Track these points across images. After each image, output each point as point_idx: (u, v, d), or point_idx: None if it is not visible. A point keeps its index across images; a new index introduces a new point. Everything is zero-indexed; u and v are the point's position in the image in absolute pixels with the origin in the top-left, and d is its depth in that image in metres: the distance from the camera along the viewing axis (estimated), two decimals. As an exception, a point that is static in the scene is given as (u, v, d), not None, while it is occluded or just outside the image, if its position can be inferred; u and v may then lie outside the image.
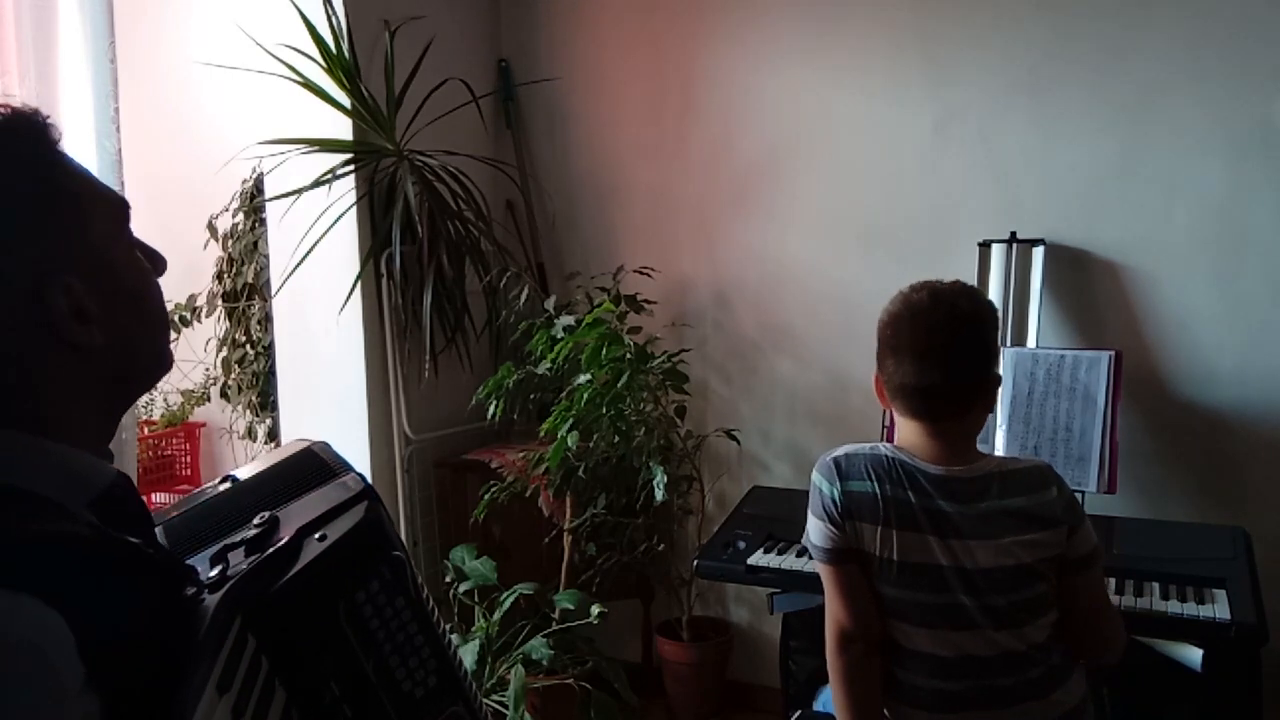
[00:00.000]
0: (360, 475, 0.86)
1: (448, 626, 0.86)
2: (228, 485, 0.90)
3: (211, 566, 0.74)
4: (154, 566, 0.68)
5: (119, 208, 0.77)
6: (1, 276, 0.67)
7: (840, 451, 1.56)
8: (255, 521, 0.78)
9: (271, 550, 0.74)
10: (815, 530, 1.55)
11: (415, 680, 0.79)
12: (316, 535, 0.76)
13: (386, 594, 0.78)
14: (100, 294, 0.71)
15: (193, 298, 3.29)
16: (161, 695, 0.61)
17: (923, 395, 1.49)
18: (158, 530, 0.81)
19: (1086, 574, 1.51)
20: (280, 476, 0.88)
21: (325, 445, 0.92)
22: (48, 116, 0.73)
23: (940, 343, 1.47)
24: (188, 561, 0.75)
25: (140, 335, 0.76)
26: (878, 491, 1.49)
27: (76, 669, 0.58)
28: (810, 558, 1.61)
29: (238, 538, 0.77)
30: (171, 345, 0.83)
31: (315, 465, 0.88)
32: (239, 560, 0.74)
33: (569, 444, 2.53)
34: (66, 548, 0.63)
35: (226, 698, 0.66)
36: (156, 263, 0.80)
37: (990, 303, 1.56)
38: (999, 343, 1.56)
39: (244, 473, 0.91)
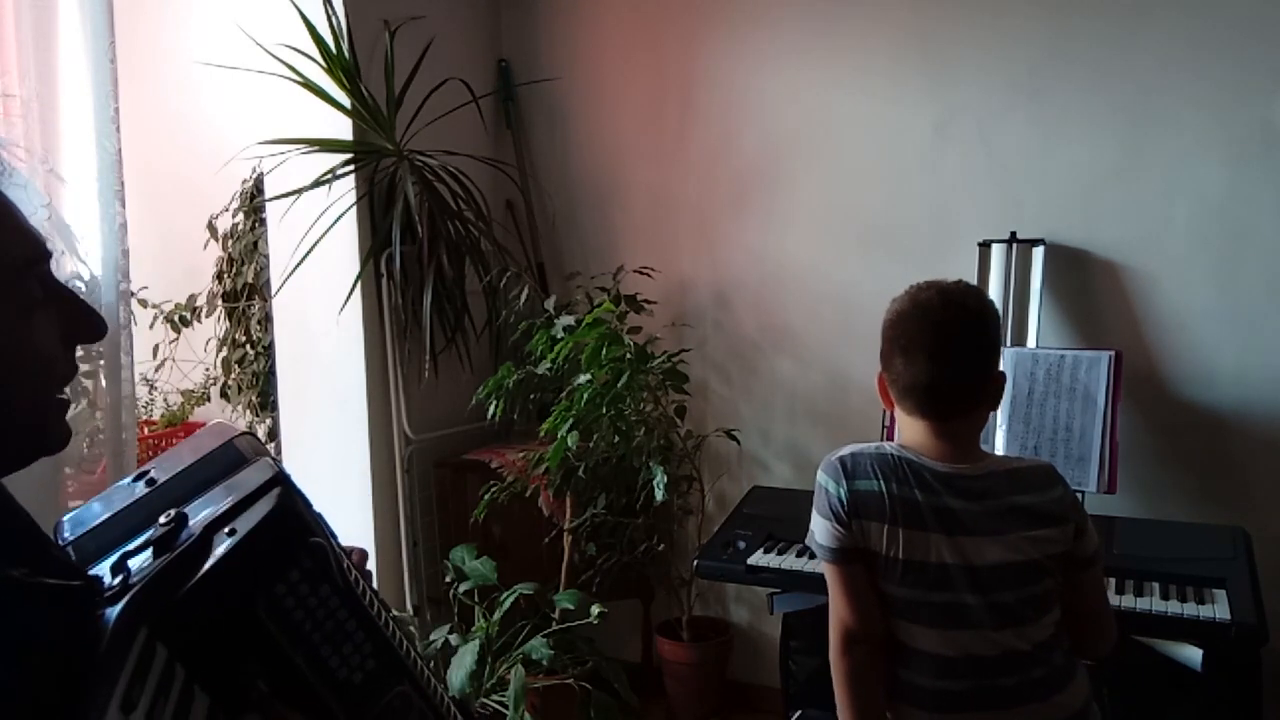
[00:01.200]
0: (274, 460, 0.80)
1: (387, 609, 0.83)
2: (142, 483, 0.83)
3: (113, 575, 0.69)
4: (44, 595, 0.64)
5: (22, 260, 0.70)
6: None
7: (846, 451, 1.56)
8: (161, 520, 0.72)
9: (177, 551, 0.69)
10: (821, 530, 1.55)
11: (351, 666, 0.76)
12: (225, 530, 0.70)
13: (309, 583, 0.73)
14: None
15: (193, 298, 3.29)
16: None
17: (933, 394, 1.49)
18: (69, 549, 0.77)
19: (1091, 572, 1.52)
20: (191, 471, 0.81)
21: (245, 435, 0.85)
22: None
23: (951, 341, 1.48)
24: (91, 572, 0.71)
25: None
26: (884, 490, 1.49)
27: None
28: (811, 557, 1.61)
29: (141, 540, 0.72)
30: (63, 421, 0.75)
31: (230, 455, 0.82)
32: (144, 563, 0.69)
33: (569, 444, 2.53)
34: None
35: (135, 715, 0.61)
36: (77, 327, 0.73)
37: (992, 303, 1.57)
38: (1000, 341, 1.57)
39: (162, 464, 0.84)
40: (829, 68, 2.82)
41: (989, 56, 2.63)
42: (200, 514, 0.73)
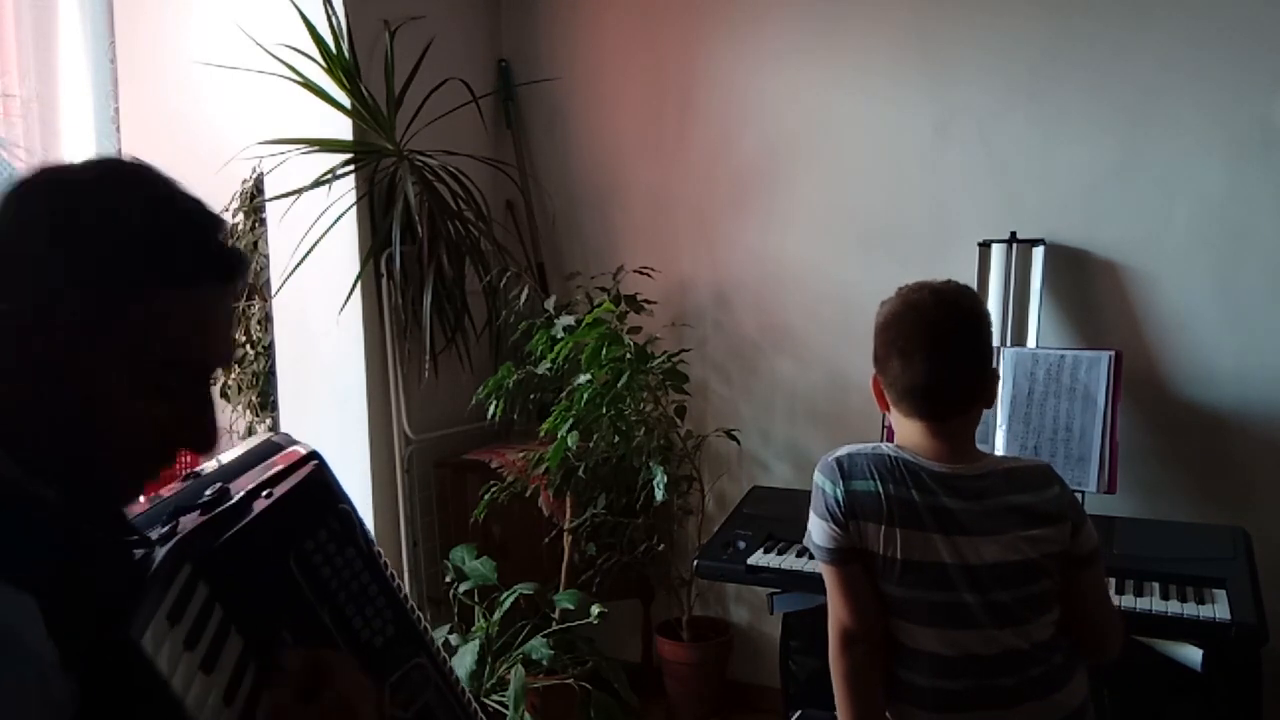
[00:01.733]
0: (308, 445, 0.88)
1: (404, 590, 0.87)
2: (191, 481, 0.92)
3: (163, 528, 0.76)
4: (113, 541, 0.70)
5: (191, 360, 0.76)
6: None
7: (843, 451, 1.57)
8: (207, 493, 0.79)
9: (220, 509, 0.76)
10: (818, 530, 1.55)
11: (373, 629, 0.81)
12: (263, 494, 0.78)
13: (336, 543, 0.80)
14: (46, 337, 0.70)
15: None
16: (115, 640, 0.62)
17: (931, 395, 1.49)
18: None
19: (1090, 571, 1.52)
20: (236, 463, 0.90)
21: (286, 435, 0.94)
22: (238, 255, 0.77)
23: (948, 342, 1.48)
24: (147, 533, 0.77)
25: (58, 437, 0.72)
26: (881, 490, 1.49)
27: (50, 651, 0.60)
28: (811, 558, 1.61)
29: (189, 506, 0.79)
30: (135, 498, 0.80)
31: (269, 447, 0.91)
32: (190, 522, 0.76)
33: (569, 444, 2.53)
34: (35, 539, 0.65)
35: (178, 629, 0.67)
36: (184, 433, 0.77)
37: (983, 301, 1.59)
38: (993, 339, 1.58)
39: (207, 469, 0.93)
40: (829, 68, 2.82)
41: (989, 56, 2.63)
42: (241, 486, 0.81)
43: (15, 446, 0.69)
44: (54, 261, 0.69)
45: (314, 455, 0.85)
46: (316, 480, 0.82)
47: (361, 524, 0.82)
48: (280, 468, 0.83)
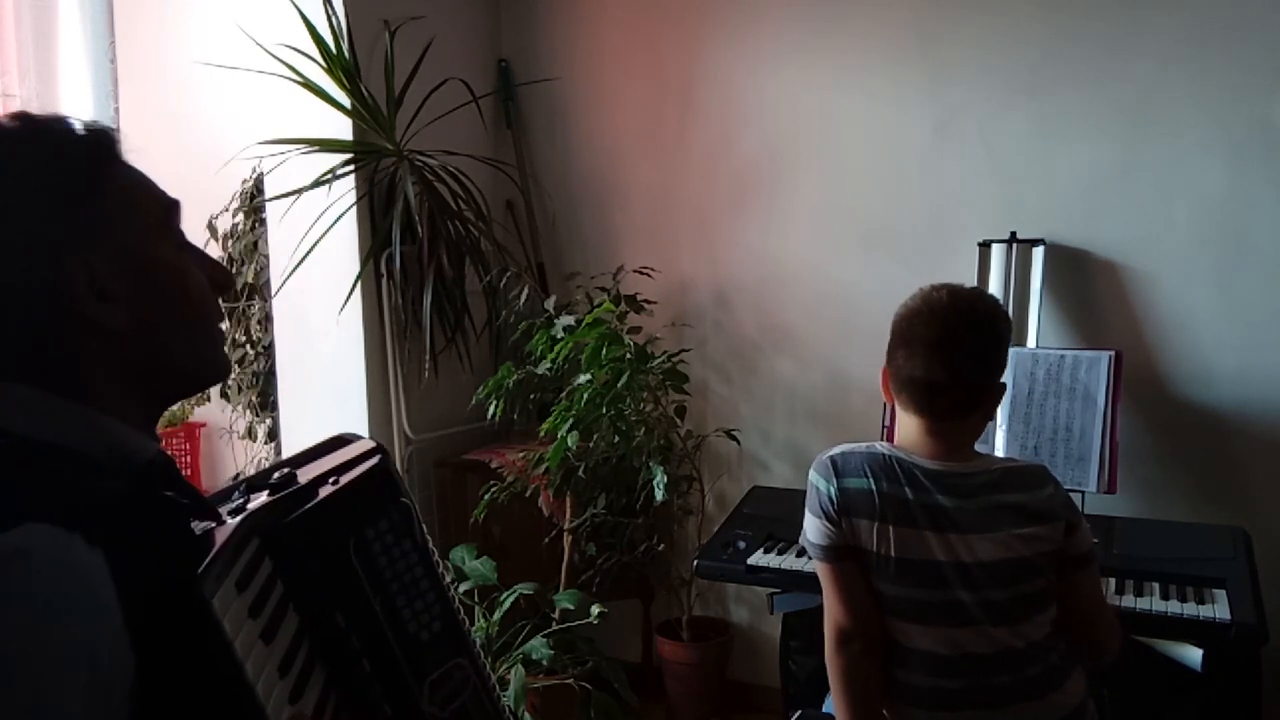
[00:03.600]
0: (377, 443, 0.91)
1: (453, 590, 0.90)
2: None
3: (233, 504, 0.80)
4: (188, 514, 0.74)
5: (165, 209, 0.81)
6: (16, 250, 0.72)
7: (837, 450, 1.57)
8: (274, 477, 0.83)
9: (288, 491, 0.80)
10: (812, 528, 1.56)
11: (420, 623, 0.84)
12: (330, 480, 0.83)
13: (394, 534, 0.83)
14: (128, 281, 0.75)
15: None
16: (186, 598, 0.65)
17: (928, 390, 1.50)
18: None
19: (1085, 571, 1.52)
20: (303, 453, 0.94)
21: (354, 434, 0.98)
22: (104, 127, 0.80)
23: (953, 339, 1.48)
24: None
25: (172, 330, 0.78)
26: (874, 488, 1.50)
27: (116, 611, 0.62)
28: (810, 557, 1.61)
29: (258, 486, 0.83)
30: (224, 350, 0.85)
31: (337, 441, 0.95)
32: (259, 500, 0.80)
33: (569, 444, 2.53)
34: (108, 502, 0.68)
35: (244, 595, 0.70)
36: (215, 275, 0.83)
37: (1007, 314, 1.58)
38: (1008, 353, 1.56)
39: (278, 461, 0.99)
40: (829, 68, 2.82)
41: (989, 56, 2.63)
42: (309, 472, 0.85)
43: (128, 379, 0.75)
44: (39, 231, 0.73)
45: (379, 449, 0.88)
46: (381, 472, 0.85)
47: (420, 520, 0.85)
48: (346, 458, 0.87)
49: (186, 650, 0.65)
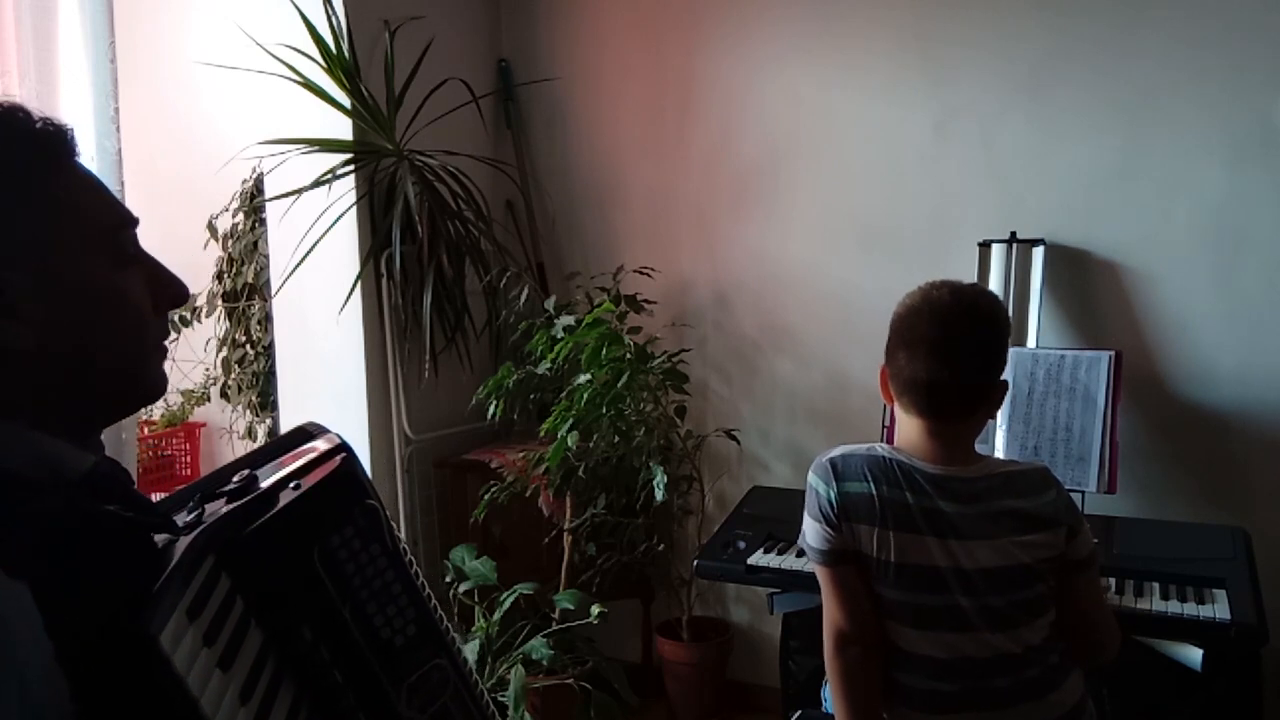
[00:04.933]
0: (339, 436, 0.87)
1: (428, 589, 0.87)
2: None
3: (188, 515, 0.75)
4: (133, 529, 0.69)
5: (114, 225, 0.76)
6: None
7: (837, 452, 1.56)
8: (234, 480, 0.79)
9: (246, 498, 0.76)
10: (811, 532, 1.55)
11: (394, 628, 0.81)
12: (291, 485, 0.78)
13: (361, 540, 0.79)
14: (47, 302, 0.70)
15: (193, 298, 3.28)
16: (130, 635, 0.61)
17: (931, 391, 1.48)
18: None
19: (1086, 575, 1.51)
20: (266, 449, 0.90)
21: (317, 424, 0.93)
22: (58, 127, 0.74)
23: (955, 339, 1.47)
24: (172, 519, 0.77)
25: (94, 352, 0.73)
26: (874, 492, 1.49)
27: (46, 645, 0.58)
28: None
29: (216, 493, 0.79)
30: (161, 369, 0.80)
31: (300, 436, 0.91)
32: (216, 510, 0.75)
33: (569, 444, 2.53)
34: (36, 524, 0.63)
35: (198, 624, 0.66)
36: (163, 293, 0.79)
37: (1005, 310, 1.56)
38: (1008, 350, 1.56)
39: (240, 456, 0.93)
40: (829, 68, 2.82)
41: (989, 56, 2.63)
42: (269, 476, 0.80)
43: (44, 399, 0.70)
44: None
45: (343, 447, 0.84)
46: (345, 474, 0.81)
47: (388, 521, 0.82)
48: (309, 458, 0.83)
49: (133, 689, 0.61)
